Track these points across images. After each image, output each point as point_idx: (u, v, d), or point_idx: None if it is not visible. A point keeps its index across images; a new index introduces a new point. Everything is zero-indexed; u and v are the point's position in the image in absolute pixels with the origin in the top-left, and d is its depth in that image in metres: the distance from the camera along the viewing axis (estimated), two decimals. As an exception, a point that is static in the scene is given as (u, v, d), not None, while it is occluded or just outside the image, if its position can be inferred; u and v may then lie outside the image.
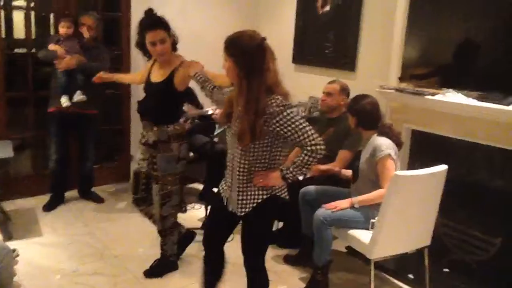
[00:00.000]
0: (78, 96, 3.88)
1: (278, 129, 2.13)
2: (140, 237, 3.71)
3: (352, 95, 3.45)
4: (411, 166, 3.64)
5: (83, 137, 4.24)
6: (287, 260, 3.44)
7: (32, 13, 4.36)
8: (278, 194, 2.30)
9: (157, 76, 2.97)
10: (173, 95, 2.94)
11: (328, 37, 4.64)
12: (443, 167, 2.84)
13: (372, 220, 2.81)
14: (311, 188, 3.29)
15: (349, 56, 4.40)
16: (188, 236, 3.41)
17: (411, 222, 2.85)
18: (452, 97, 3.28)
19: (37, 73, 4.32)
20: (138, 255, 3.44)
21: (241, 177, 2.27)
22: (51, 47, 3.86)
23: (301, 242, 3.39)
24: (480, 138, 3.23)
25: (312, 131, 2.14)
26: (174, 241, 3.22)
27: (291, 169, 2.21)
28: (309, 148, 2.13)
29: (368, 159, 2.98)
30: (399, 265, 3.36)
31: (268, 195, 2.27)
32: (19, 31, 4.70)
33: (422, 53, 3.64)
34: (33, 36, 4.40)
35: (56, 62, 3.82)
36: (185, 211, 4.25)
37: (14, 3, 4.71)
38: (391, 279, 3.29)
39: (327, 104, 3.66)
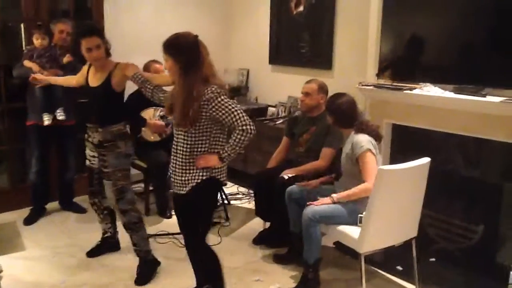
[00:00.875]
0: (61, 117, 3.87)
1: (214, 113, 2.38)
2: (126, 244, 3.64)
3: (330, 93, 3.49)
4: (393, 161, 3.70)
5: (63, 147, 4.18)
6: (277, 259, 3.45)
7: (1, 24, 4.26)
8: (217, 177, 2.52)
9: (94, 81, 3.13)
10: (112, 96, 3.11)
11: (303, 36, 4.69)
12: (426, 159, 2.90)
13: (360, 215, 2.84)
14: (297, 186, 3.31)
15: (325, 54, 4.46)
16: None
17: (398, 215, 2.90)
18: (429, 90, 3.36)
19: (10, 84, 4.21)
20: (126, 263, 3.39)
21: (184, 160, 2.48)
22: (26, 63, 3.77)
23: (290, 240, 3.41)
24: (457, 129, 3.32)
25: (243, 114, 2.39)
26: (143, 236, 3.26)
27: (226, 149, 2.44)
28: (240, 128, 2.37)
29: (347, 155, 3.03)
30: (387, 257, 3.41)
31: (207, 176, 2.49)
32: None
33: (398, 49, 3.72)
34: (4, 47, 4.30)
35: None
36: (170, 216, 4.23)
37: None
38: (380, 272, 3.33)
39: (306, 104, 3.69)
